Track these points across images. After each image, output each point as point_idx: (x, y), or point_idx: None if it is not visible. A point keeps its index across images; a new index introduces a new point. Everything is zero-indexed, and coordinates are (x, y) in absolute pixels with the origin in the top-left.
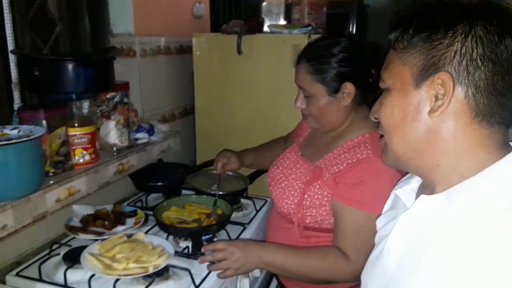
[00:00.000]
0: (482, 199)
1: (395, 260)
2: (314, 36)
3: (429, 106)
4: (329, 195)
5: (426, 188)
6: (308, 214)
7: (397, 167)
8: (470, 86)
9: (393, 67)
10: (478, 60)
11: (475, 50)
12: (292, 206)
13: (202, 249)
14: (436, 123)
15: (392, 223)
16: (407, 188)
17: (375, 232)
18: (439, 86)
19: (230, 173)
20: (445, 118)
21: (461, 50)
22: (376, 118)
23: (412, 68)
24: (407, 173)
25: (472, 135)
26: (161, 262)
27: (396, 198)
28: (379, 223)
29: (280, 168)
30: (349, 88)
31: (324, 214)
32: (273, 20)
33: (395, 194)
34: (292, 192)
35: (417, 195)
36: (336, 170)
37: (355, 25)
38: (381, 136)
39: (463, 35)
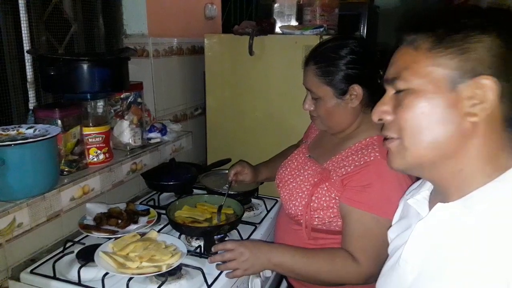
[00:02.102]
0: (500, 204)
1: (414, 270)
2: (326, 37)
3: (466, 109)
4: (337, 197)
5: (439, 195)
6: (316, 216)
7: (410, 172)
8: (508, 92)
9: (420, 67)
10: None
11: None
12: (300, 208)
13: (212, 249)
14: (470, 127)
15: (407, 232)
16: (419, 197)
17: (384, 234)
18: (479, 90)
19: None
20: (480, 122)
21: (504, 54)
22: (380, 120)
23: (446, 69)
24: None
25: (498, 139)
26: (174, 261)
27: (406, 207)
28: (392, 233)
29: (288, 169)
30: (357, 90)
31: (332, 216)
32: (284, 21)
33: (405, 203)
34: (300, 194)
35: (430, 203)
36: (344, 173)
37: (366, 26)
38: (385, 139)
39: (505, 41)
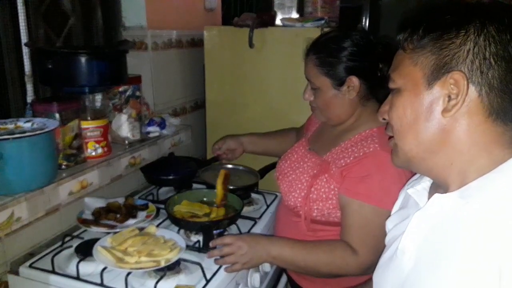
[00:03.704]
0: (496, 195)
1: (411, 260)
2: (327, 30)
3: (442, 105)
4: (336, 189)
5: (439, 187)
6: (315, 207)
7: (408, 168)
8: (484, 85)
9: (403, 68)
10: (491, 59)
11: (488, 49)
12: (299, 199)
13: (210, 244)
14: (449, 122)
15: (405, 222)
16: (419, 187)
17: (383, 225)
18: (452, 86)
19: (241, 167)
20: (458, 117)
21: (474, 49)
22: (384, 119)
23: (423, 68)
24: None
25: (486, 133)
26: (173, 256)
27: (407, 197)
28: (390, 223)
29: (288, 162)
30: (354, 82)
31: (331, 207)
32: (285, 14)
33: (405, 193)
34: (299, 186)
35: (430, 194)
36: (343, 164)
37: (368, 19)
38: (390, 137)
39: (475, 34)
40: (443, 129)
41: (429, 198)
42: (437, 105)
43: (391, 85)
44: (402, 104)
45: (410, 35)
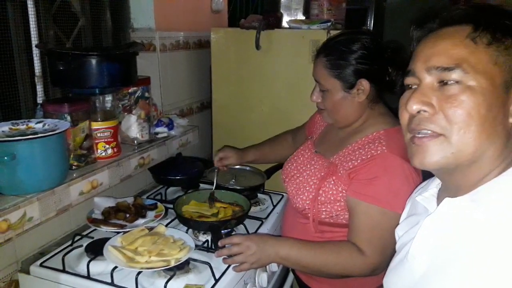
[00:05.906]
0: (507, 198)
1: (422, 265)
2: (333, 32)
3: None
4: (344, 191)
5: (447, 192)
6: (323, 209)
7: (440, 171)
8: None
9: (479, 62)
10: None
11: None
12: (307, 202)
13: (219, 243)
14: (510, 127)
15: (415, 229)
16: (427, 194)
17: (390, 226)
18: None
19: (247, 168)
20: None
21: None
22: (418, 112)
23: (504, 70)
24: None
25: None
26: (182, 256)
27: (414, 205)
28: (400, 231)
29: (295, 164)
30: (364, 85)
31: (339, 209)
32: (291, 15)
33: (413, 201)
34: (307, 188)
35: (438, 200)
36: (351, 166)
37: (373, 20)
38: (413, 135)
39: None
40: (508, 134)
41: (438, 204)
42: (507, 110)
43: (460, 77)
44: (477, 102)
45: (487, 30)
